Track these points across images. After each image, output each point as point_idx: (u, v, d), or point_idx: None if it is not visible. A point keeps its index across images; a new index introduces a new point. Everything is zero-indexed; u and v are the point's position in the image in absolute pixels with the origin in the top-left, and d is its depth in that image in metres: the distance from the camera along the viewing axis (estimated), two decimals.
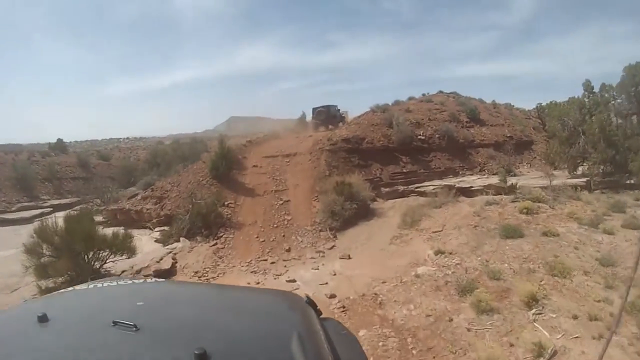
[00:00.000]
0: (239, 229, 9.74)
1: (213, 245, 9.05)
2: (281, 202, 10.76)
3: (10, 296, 6.39)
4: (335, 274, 7.01)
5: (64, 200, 17.46)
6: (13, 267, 6.87)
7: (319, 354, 1.05)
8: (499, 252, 6.37)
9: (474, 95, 21.84)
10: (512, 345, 4.01)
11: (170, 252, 8.52)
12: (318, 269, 7.53)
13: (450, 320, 4.61)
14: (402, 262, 6.89)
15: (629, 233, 6.77)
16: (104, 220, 12.14)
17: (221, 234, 9.49)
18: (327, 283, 6.60)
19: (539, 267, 5.67)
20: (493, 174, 12.93)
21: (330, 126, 18.40)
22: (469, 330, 4.36)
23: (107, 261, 7.10)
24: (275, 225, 9.85)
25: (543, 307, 4.59)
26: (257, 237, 9.41)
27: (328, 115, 19.27)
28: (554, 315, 4.44)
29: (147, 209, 11.13)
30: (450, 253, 6.69)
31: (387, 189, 11.92)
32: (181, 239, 9.31)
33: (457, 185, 11.40)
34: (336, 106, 20.27)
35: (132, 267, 7.41)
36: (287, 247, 8.93)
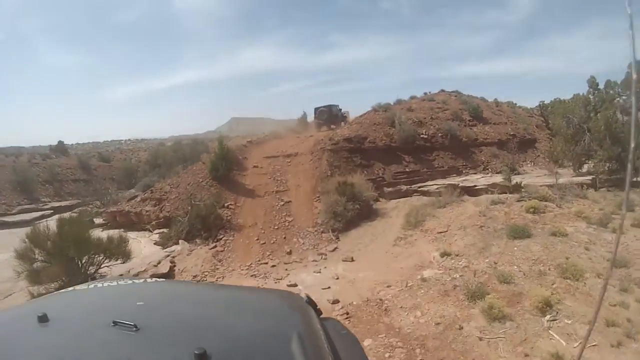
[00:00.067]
0: (238, 231, 9.54)
1: (212, 248, 8.85)
2: (282, 203, 10.55)
3: (2, 302, 6.19)
4: (337, 278, 6.77)
5: (64, 202, 17.42)
6: (7, 273, 6.65)
7: (319, 353, 1.05)
8: (507, 253, 6.14)
9: (475, 93, 21.69)
10: (527, 355, 3.76)
11: (168, 255, 8.33)
12: (320, 272, 7.31)
13: (461, 328, 4.35)
14: (407, 264, 6.67)
15: (639, 232, 6.51)
16: (103, 222, 12.04)
17: (221, 236, 9.29)
18: (329, 287, 6.36)
19: (549, 269, 5.43)
20: (497, 173, 12.70)
21: (332, 126, 18.30)
22: (480, 339, 4.11)
23: (102, 266, 6.92)
24: (276, 227, 9.63)
25: (557, 313, 4.33)
26: (258, 239, 9.20)
27: (330, 115, 19.21)
28: (569, 322, 4.20)
29: (147, 211, 10.97)
30: (457, 255, 6.46)
31: (390, 189, 11.73)
32: (180, 241, 9.12)
33: (461, 185, 11.20)
34: (338, 106, 20.24)
35: (129, 272, 7.21)
36: (288, 250, 8.72)
